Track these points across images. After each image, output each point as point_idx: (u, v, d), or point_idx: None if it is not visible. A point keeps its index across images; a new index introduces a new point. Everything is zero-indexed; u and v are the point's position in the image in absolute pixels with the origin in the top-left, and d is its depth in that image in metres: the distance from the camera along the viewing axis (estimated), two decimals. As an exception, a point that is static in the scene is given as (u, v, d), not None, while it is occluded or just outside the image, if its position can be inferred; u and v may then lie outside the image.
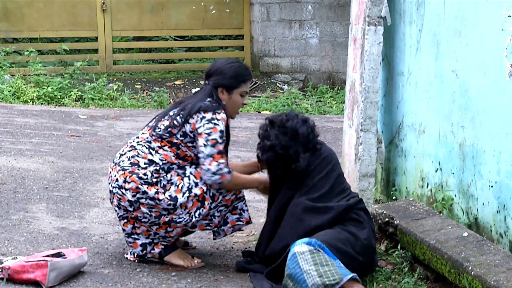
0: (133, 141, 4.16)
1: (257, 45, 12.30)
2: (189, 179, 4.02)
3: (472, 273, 3.31)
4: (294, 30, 12.04)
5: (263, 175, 4.30)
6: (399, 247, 4.10)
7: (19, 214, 4.97)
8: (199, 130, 3.99)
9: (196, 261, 4.20)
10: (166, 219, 4.02)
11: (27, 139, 7.23)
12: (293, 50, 12.14)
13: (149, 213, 4.01)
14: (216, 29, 12.81)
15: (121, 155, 4.12)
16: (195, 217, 4.02)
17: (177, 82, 11.90)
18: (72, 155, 6.68)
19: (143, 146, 4.09)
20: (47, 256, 3.94)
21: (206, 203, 4.03)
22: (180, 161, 4.07)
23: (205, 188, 4.01)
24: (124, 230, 4.15)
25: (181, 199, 3.99)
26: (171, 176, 4.03)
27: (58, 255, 3.98)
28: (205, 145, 3.97)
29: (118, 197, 4.04)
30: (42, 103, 9.73)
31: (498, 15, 3.66)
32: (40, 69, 10.60)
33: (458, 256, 3.48)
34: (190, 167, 4.07)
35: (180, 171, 4.06)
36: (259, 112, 10.08)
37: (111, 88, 10.71)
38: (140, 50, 13.48)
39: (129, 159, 4.06)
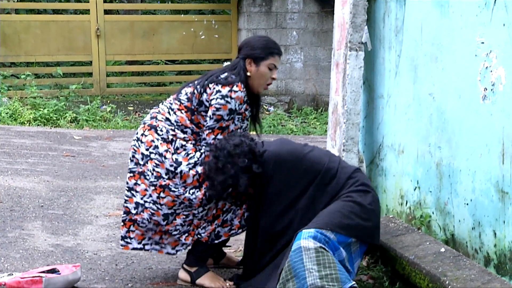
0: (161, 102, 4.17)
1: (244, 69, 12.30)
2: (200, 156, 3.93)
3: (449, 287, 3.31)
4: (279, 55, 12.09)
5: None
6: (380, 262, 4.10)
7: (15, 231, 4.94)
8: (212, 102, 3.91)
9: (228, 284, 4.06)
10: (163, 183, 3.93)
11: (23, 159, 7.20)
12: (278, 73, 12.15)
13: (152, 172, 3.93)
14: (205, 53, 12.87)
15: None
16: (189, 193, 3.91)
17: (168, 104, 11.89)
18: (67, 174, 6.66)
19: (165, 105, 4.08)
20: (42, 272, 3.91)
21: (203, 186, 3.91)
22: (194, 126, 3.98)
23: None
24: (127, 183, 4.06)
25: (184, 166, 3.90)
26: (187, 144, 3.95)
27: (53, 271, 3.95)
28: (210, 117, 3.92)
29: (134, 150, 4.02)
30: (38, 125, 9.71)
31: (472, 42, 3.69)
32: (36, 92, 10.61)
33: (436, 271, 3.48)
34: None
35: (197, 146, 3.98)
36: (247, 132, 10.08)
37: (104, 110, 10.71)
38: (133, 73, 13.51)
39: (150, 115, 4.08)
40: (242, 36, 12.41)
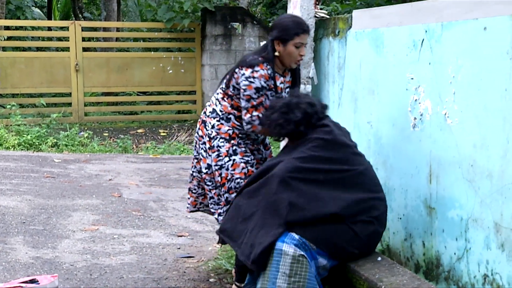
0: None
1: (207, 99, 12.34)
2: (228, 162, 3.94)
3: (385, 291, 3.33)
4: (238, 88, 12.14)
5: None
6: (325, 270, 4.10)
7: (-1, 245, 4.84)
8: (240, 85, 3.87)
9: None
10: (202, 176, 4.11)
11: (8, 180, 7.07)
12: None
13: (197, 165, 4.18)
14: (172, 86, 12.86)
15: None
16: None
17: (139, 131, 11.83)
18: (47, 193, 6.55)
19: (214, 96, 4.06)
20: (23, 282, 3.84)
21: (222, 189, 3.98)
22: (235, 112, 3.93)
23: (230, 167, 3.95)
24: (195, 166, 4.24)
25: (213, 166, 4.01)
26: (223, 146, 3.95)
27: (32, 281, 3.88)
28: (242, 99, 3.88)
29: (195, 141, 4.16)
30: (22, 149, 9.56)
31: (403, 78, 3.76)
32: (20, 120, 10.44)
33: (373, 277, 3.50)
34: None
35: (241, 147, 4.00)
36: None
37: (82, 136, 10.58)
38: (108, 103, 13.41)
39: (205, 107, 4.12)
40: (205, 71, 12.44)
